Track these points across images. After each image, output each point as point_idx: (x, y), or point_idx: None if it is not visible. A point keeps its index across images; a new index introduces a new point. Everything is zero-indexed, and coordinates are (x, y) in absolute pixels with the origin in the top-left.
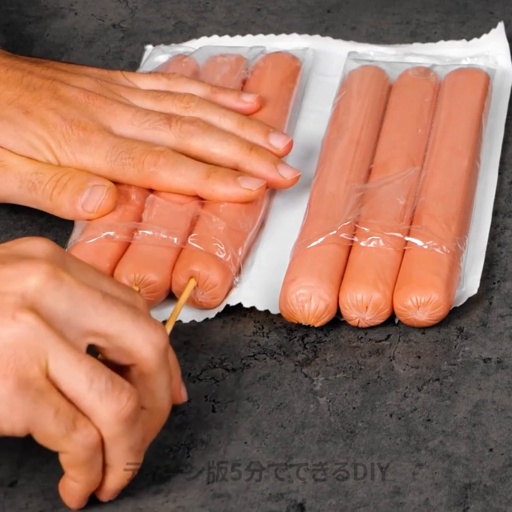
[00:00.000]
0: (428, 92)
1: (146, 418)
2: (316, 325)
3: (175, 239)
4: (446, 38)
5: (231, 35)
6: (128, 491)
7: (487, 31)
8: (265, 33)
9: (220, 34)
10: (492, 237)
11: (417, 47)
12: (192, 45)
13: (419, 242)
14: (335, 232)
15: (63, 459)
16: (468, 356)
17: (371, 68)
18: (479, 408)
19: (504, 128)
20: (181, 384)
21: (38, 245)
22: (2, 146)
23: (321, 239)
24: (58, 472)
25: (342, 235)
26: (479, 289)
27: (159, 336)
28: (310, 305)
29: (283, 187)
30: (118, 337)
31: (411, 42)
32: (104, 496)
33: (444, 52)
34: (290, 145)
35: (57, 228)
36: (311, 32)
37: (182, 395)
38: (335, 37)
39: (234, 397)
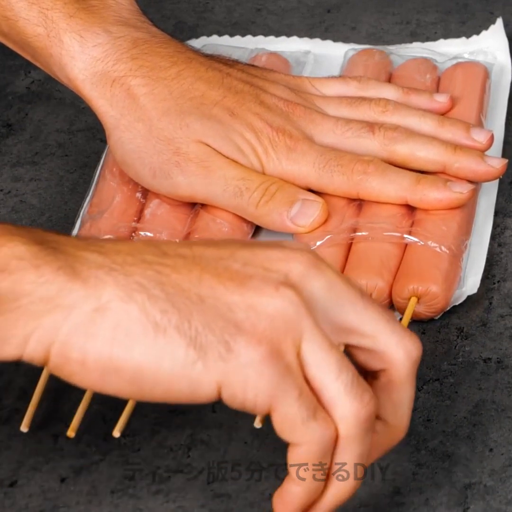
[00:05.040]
0: (427, 86)
1: (381, 430)
2: None
3: (177, 240)
4: (446, 38)
5: (231, 35)
6: (128, 491)
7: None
8: (265, 34)
9: (220, 34)
10: (492, 237)
11: (417, 46)
12: (192, 45)
13: (420, 242)
14: (332, 236)
15: (293, 455)
16: (468, 356)
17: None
18: (479, 408)
19: (504, 128)
20: None
21: None
22: (210, 145)
23: (320, 242)
24: (58, 472)
25: (342, 235)
26: (479, 289)
27: (414, 344)
28: None
29: (493, 177)
30: (372, 336)
31: (411, 42)
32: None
33: (444, 49)
34: (491, 139)
35: (57, 228)
36: (311, 32)
37: None
38: (335, 37)
39: None
